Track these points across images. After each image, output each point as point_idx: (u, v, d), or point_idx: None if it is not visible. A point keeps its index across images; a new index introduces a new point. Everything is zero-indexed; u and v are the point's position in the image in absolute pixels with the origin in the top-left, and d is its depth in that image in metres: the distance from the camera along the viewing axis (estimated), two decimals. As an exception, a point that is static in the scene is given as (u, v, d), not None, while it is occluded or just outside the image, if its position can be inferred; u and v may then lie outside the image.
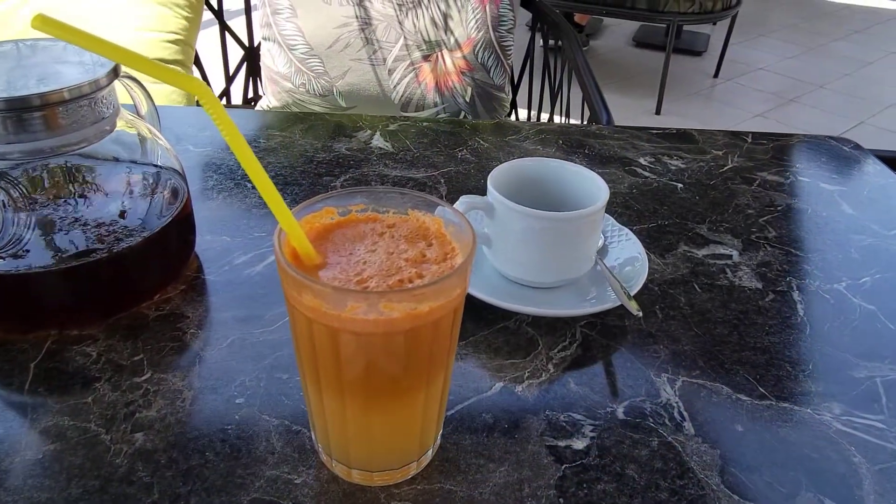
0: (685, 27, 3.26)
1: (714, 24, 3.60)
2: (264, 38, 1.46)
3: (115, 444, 0.36)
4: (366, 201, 0.33)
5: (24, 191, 0.39)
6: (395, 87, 1.49)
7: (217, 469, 0.35)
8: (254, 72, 1.50)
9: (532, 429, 0.38)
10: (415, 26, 1.45)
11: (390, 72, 1.50)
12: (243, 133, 0.66)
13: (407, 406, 0.31)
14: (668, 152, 0.70)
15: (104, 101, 0.42)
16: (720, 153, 0.71)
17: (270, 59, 1.46)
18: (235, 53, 1.48)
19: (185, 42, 1.38)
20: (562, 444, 0.37)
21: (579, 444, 0.38)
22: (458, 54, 1.44)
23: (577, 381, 0.42)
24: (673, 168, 0.67)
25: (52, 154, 0.41)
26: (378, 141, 0.71)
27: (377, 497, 0.34)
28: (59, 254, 0.42)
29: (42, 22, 0.25)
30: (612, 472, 0.36)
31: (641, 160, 0.68)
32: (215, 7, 1.49)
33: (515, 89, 1.51)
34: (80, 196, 0.44)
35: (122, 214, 0.45)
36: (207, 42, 1.57)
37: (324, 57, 1.52)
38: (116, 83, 0.43)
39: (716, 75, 3.06)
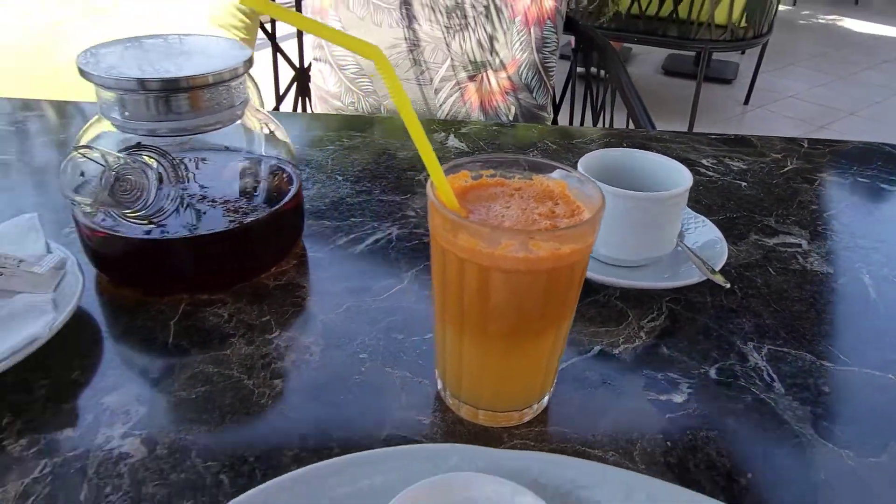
0: (714, 55, 3.32)
1: (743, 52, 3.65)
2: (315, 59, 1.53)
3: (257, 388, 0.40)
4: (494, 168, 0.37)
5: (173, 166, 0.43)
6: (440, 105, 1.54)
7: (352, 409, 0.39)
8: (303, 91, 1.56)
9: (633, 385, 0.41)
10: (461, 48, 1.51)
11: (436, 91, 1.56)
12: (326, 133, 0.71)
13: (538, 347, 0.35)
14: (728, 155, 0.74)
15: (237, 89, 0.47)
16: (779, 156, 0.74)
17: (321, 78, 1.53)
18: (286, 74, 1.55)
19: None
20: (662, 397, 0.41)
21: (678, 399, 0.41)
22: (503, 74, 1.50)
23: (669, 347, 0.45)
24: (735, 169, 0.71)
25: (192, 132, 0.46)
26: (453, 141, 0.75)
27: (500, 437, 0.37)
28: (194, 225, 0.46)
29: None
30: (712, 422, 0.39)
31: (704, 161, 0.72)
32: (269, 30, 1.57)
33: (557, 109, 1.55)
34: (212, 175, 0.48)
35: (246, 194, 0.50)
36: (260, 62, 1.64)
37: (373, 77, 1.58)
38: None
39: (746, 102, 3.10)
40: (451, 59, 1.54)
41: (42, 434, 0.36)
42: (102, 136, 0.45)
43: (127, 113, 0.44)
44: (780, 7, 2.82)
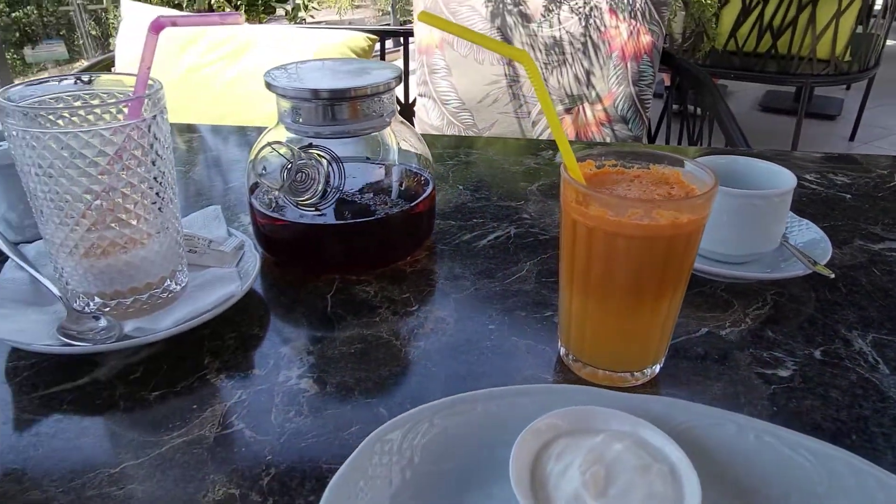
0: (816, 91, 3.23)
1: (848, 87, 3.53)
2: (420, 95, 1.64)
3: (403, 348, 0.47)
4: (615, 158, 0.43)
5: (336, 163, 0.52)
6: (538, 136, 1.61)
7: (485, 367, 0.45)
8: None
9: (740, 359, 0.45)
10: (559, 82, 1.58)
11: (534, 124, 1.63)
12: (446, 150, 0.79)
13: (655, 311, 0.40)
14: (832, 170, 0.76)
15: (387, 101, 0.56)
16: (884, 172, 0.75)
17: (425, 112, 1.64)
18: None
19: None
20: (768, 371, 0.44)
21: (784, 373, 0.44)
22: (599, 107, 1.56)
23: (773, 331, 0.48)
24: (839, 183, 0.73)
25: (351, 135, 0.54)
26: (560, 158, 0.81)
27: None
28: (348, 215, 0.55)
29: (427, 17, 0.38)
30: (817, 394, 0.42)
31: (808, 176, 0.75)
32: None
33: (652, 140, 1.59)
34: (364, 173, 0.57)
35: (390, 192, 0.58)
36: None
37: (474, 111, 1.68)
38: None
39: (851, 139, 2.99)
40: (549, 92, 1.61)
41: (236, 372, 0.44)
42: (270, 145, 0.55)
43: (300, 119, 0.53)
44: (889, 41, 2.73)
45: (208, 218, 0.59)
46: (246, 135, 0.93)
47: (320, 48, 1.54)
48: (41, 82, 0.46)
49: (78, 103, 0.46)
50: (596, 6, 1.48)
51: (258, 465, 0.37)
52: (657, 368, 0.44)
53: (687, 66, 1.51)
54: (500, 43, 0.39)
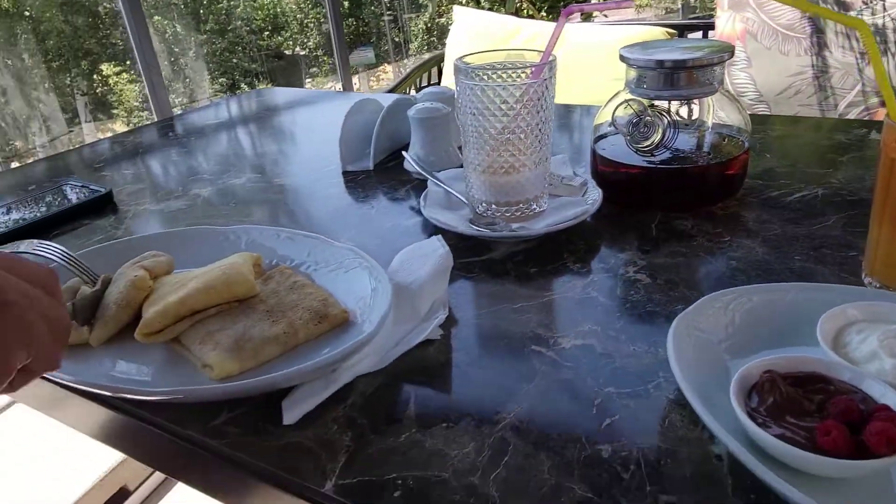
0: None
1: None
2: (717, 86, 1.67)
3: (716, 263, 0.59)
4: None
5: (671, 119, 0.65)
6: (848, 127, 1.54)
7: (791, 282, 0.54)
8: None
9: None
10: (876, 73, 1.49)
11: (840, 116, 1.57)
12: (753, 126, 0.86)
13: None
14: None
15: (717, 71, 0.67)
16: None
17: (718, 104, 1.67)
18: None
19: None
20: None
21: None
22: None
23: None
24: None
25: (685, 98, 0.67)
26: (874, 136, 0.84)
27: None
28: (674, 162, 0.68)
29: None
30: None
31: None
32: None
33: None
34: (693, 130, 0.69)
35: (710, 147, 0.70)
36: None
37: (772, 103, 1.67)
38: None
39: None
40: (863, 84, 1.54)
41: (585, 264, 0.61)
42: (623, 99, 0.70)
43: (644, 84, 0.67)
44: None
45: (558, 162, 0.77)
46: (590, 112, 1.11)
47: (619, 44, 1.68)
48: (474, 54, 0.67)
49: (496, 71, 0.66)
50: (931, -10, 1.38)
51: (611, 316, 0.52)
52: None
53: None
54: (837, 13, 0.49)
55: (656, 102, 0.67)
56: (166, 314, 0.49)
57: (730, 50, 0.66)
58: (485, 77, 0.62)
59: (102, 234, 0.76)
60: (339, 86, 3.68)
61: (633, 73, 0.68)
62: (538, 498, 0.37)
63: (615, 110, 0.67)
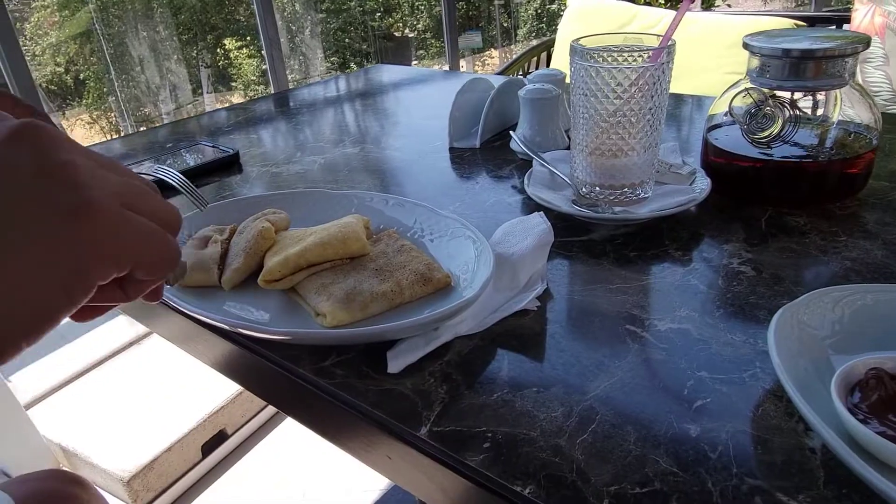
0: None
1: None
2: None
3: (829, 260, 0.57)
4: None
5: (792, 111, 0.63)
6: None
7: None
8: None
9: None
10: None
11: None
12: (886, 126, 0.79)
13: None
14: None
15: (847, 63, 0.64)
16: None
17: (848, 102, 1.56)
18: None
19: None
20: None
21: None
22: None
23: None
24: None
25: (809, 90, 0.65)
26: None
27: None
28: (791, 156, 0.65)
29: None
30: None
31: None
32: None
33: None
34: (815, 124, 0.67)
35: (833, 143, 0.67)
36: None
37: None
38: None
39: None
40: None
41: (686, 252, 0.60)
42: (742, 87, 0.68)
43: (767, 73, 0.65)
44: None
45: (668, 151, 0.76)
46: (701, 104, 1.08)
47: (741, 35, 1.60)
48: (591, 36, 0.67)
49: (612, 53, 0.66)
50: None
51: (711, 304, 0.52)
52: None
53: None
54: None
55: (778, 93, 0.65)
56: (286, 264, 0.53)
57: (865, 41, 0.63)
58: (600, 59, 0.62)
59: (230, 191, 0.83)
60: (446, 67, 3.73)
61: (755, 62, 0.66)
62: (622, 465, 0.38)
63: (733, 99, 0.66)
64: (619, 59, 0.62)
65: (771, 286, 0.54)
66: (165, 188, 0.69)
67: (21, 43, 2.17)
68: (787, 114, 0.62)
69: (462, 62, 3.62)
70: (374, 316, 0.51)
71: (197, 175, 0.87)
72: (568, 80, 0.68)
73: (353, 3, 7.17)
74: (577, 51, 0.63)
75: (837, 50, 0.62)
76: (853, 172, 0.66)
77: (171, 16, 6.61)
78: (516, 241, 0.57)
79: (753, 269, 0.57)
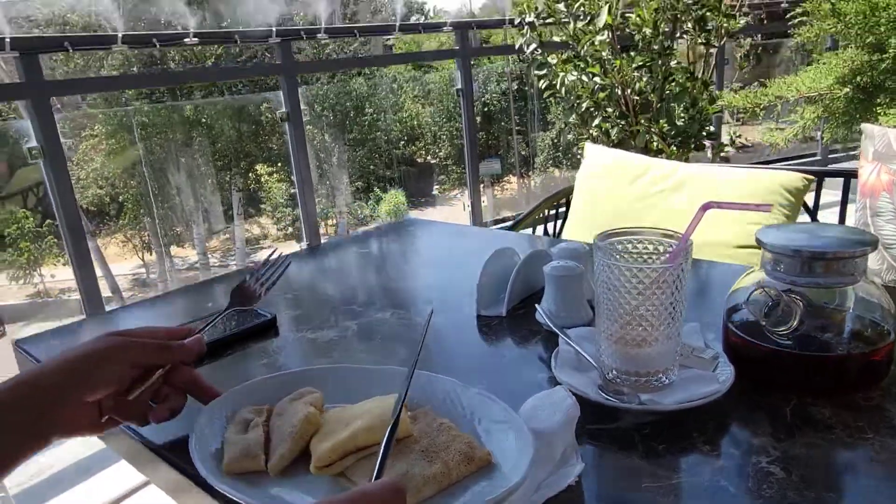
0: None
1: None
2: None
3: (859, 465, 0.57)
4: None
5: (809, 306, 0.66)
6: None
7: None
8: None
9: None
10: None
11: None
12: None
13: None
14: None
15: (858, 263, 0.68)
16: None
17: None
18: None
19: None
20: None
21: None
22: None
23: None
24: None
25: (823, 287, 0.68)
26: None
27: None
28: (812, 347, 0.68)
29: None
30: None
31: None
32: (810, 206, 1.74)
33: None
34: (828, 316, 0.70)
35: (851, 334, 0.69)
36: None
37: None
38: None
39: None
40: None
41: (715, 447, 0.61)
42: (757, 279, 0.72)
43: (781, 268, 0.69)
44: None
45: (690, 331, 0.79)
46: (714, 267, 1.13)
47: (753, 187, 1.67)
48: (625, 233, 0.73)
49: (635, 248, 0.71)
50: None
51: (743, 513, 0.53)
52: None
53: None
54: None
55: (794, 289, 0.68)
56: (335, 450, 0.56)
57: (873, 243, 0.67)
58: (620, 259, 0.67)
59: (267, 358, 0.86)
60: (466, 192, 3.90)
61: (769, 255, 0.71)
62: None
63: (750, 295, 0.69)
64: (640, 258, 0.67)
65: (801, 491, 0.55)
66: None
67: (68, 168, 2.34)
68: (804, 309, 0.66)
69: (484, 197, 3.77)
70: (426, 499, 0.53)
71: (235, 341, 0.91)
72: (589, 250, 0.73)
73: (378, 134, 7.58)
74: (600, 248, 0.68)
75: (847, 252, 0.66)
76: (874, 361, 0.68)
77: (209, 144, 7.01)
78: (546, 415, 0.59)
79: (783, 468, 0.58)
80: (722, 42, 2.55)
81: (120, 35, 2.08)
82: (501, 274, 0.97)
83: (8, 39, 1.93)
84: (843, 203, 1.71)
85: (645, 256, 0.71)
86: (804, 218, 1.74)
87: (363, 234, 1.58)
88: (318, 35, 2.84)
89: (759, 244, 0.71)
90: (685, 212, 1.84)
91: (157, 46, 2.21)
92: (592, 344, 0.75)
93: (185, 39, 2.20)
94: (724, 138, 3.07)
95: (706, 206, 0.65)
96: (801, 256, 0.67)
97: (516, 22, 2.75)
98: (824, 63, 2.02)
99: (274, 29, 2.57)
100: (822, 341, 0.68)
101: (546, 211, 2.01)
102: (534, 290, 1.00)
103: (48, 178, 2.23)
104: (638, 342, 0.68)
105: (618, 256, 0.67)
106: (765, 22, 4.58)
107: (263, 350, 0.89)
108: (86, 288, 2.39)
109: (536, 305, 0.88)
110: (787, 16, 2.42)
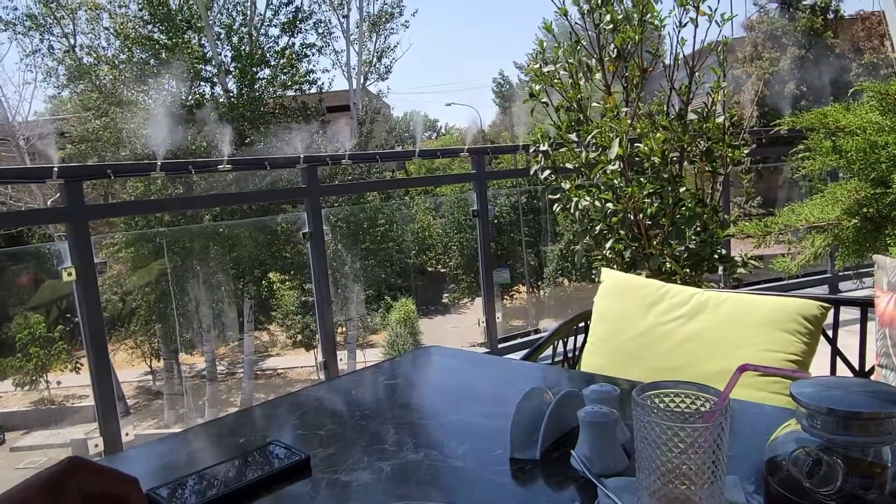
0: None
1: None
2: (879, 366, 1.62)
3: None
4: None
5: (849, 465, 0.67)
6: None
7: None
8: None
9: None
10: None
11: None
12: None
13: None
14: None
15: (893, 424, 0.69)
16: None
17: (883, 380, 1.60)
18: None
19: (802, 363, 1.64)
20: None
21: None
22: None
23: None
24: None
25: (860, 446, 0.69)
26: None
27: None
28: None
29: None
30: None
31: None
32: (829, 335, 1.76)
33: None
34: (873, 474, 0.70)
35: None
36: (817, 364, 1.81)
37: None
38: None
39: None
40: None
41: None
42: (794, 433, 0.73)
43: (818, 425, 0.71)
44: None
45: (730, 484, 0.79)
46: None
47: (771, 315, 1.70)
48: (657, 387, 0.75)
49: (673, 401, 0.73)
50: None
51: None
52: None
53: None
54: None
55: (831, 446, 0.69)
56: None
57: (905, 405, 0.69)
58: (659, 415, 0.68)
59: (300, 504, 0.86)
60: (478, 301, 3.92)
61: (803, 411, 0.72)
62: None
63: (792, 454, 0.70)
64: (678, 416, 0.68)
65: None
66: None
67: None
68: (845, 469, 0.66)
69: (498, 313, 3.79)
70: None
71: (267, 482, 0.91)
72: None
73: (391, 245, 7.77)
74: (638, 403, 0.70)
75: (883, 413, 0.68)
76: (919, 521, 0.68)
77: (225, 253, 7.17)
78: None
79: None
80: (728, 170, 2.67)
81: (159, 163, 2.21)
82: (534, 415, 0.98)
83: (55, 169, 2.05)
84: (862, 336, 1.72)
85: (682, 409, 0.72)
86: (824, 345, 1.75)
87: (388, 363, 1.59)
88: (343, 161, 2.99)
89: (794, 399, 0.73)
90: (703, 340, 1.85)
91: (193, 173, 2.33)
92: (632, 494, 0.75)
93: (219, 167, 2.33)
94: (735, 254, 3.13)
95: (742, 368, 0.67)
96: (837, 415, 0.69)
97: (531, 150, 2.90)
98: (830, 193, 2.10)
99: (301, 155, 2.71)
100: (866, 501, 0.68)
101: (565, 341, 2.03)
102: (568, 428, 1.00)
103: (77, 294, 2.29)
104: (681, 500, 0.68)
105: (657, 412, 0.69)
106: (764, 141, 4.78)
107: (296, 497, 0.89)
108: (102, 401, 2.40)
109: (572, 451, 0.89)
110: (791, 153, 2.55)
